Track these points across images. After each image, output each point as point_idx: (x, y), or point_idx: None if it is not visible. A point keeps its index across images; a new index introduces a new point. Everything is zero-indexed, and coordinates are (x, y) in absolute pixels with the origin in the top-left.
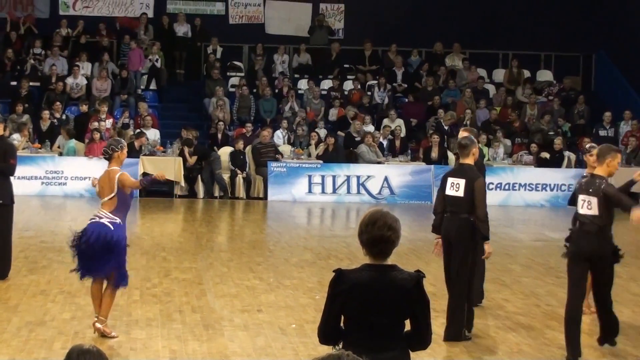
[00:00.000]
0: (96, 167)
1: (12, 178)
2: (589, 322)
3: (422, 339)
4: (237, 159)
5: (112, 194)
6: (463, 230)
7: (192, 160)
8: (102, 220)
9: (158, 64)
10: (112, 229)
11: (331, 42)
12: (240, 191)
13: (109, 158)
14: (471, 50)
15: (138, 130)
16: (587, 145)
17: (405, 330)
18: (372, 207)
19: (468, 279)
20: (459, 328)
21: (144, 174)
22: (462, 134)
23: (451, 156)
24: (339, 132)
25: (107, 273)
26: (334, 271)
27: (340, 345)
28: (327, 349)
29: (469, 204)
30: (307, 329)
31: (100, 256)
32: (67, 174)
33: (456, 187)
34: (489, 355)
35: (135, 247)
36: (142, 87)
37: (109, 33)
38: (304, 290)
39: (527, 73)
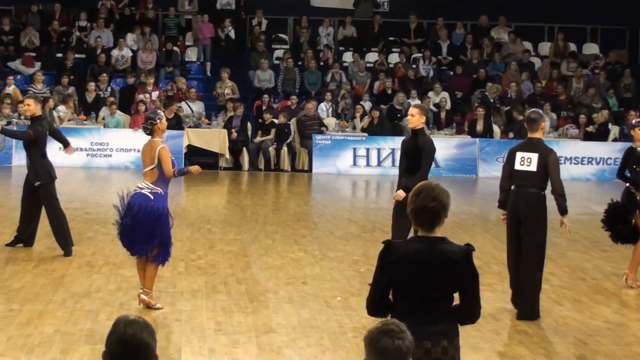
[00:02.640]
0: (141, 139)
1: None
2: (635, 296)
3: (470, 313)
4: (281, 131)
5: (153, 165)
6: (533, 205)
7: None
8: (143, 191)
9: (232, 35)
10: (153, 198)
11: (376, 15)
12: (285, 163)
13: (150, 132)
14: (517, 23)
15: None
16: (634, 120)
17: (454, 303)
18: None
19: (540, 255)
20: (533, 306)
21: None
22: (413, 109)
23: (496, 129)
24: (382, 105)
25: (150, 247)
26: (383, 242)
27: (389, 317)
28: (375, 321)
29: (541, 179)
30: (352, 301)
31: (144, 228)
32: (112, 145)
33: (527, 162)
34: (535, 327)
35: (180, 219)
36: (201, 60)
37: (155, 6)
38: (348, 262)
39: (572, 46)
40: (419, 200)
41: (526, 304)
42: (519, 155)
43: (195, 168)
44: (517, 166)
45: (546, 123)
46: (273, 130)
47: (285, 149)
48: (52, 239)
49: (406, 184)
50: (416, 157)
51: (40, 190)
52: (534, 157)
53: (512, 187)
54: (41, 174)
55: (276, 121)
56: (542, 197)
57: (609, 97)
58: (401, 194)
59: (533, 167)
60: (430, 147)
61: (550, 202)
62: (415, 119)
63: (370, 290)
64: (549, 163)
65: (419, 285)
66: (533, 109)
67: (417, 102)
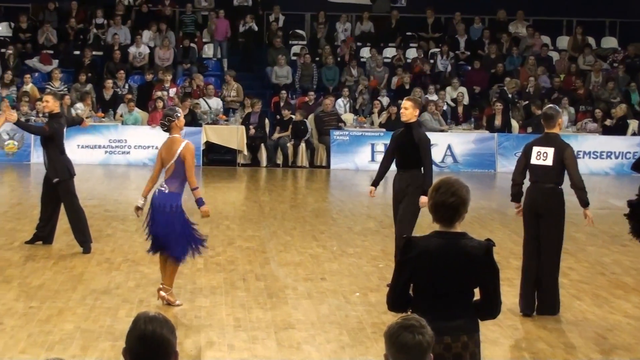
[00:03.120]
0: (159, 135)
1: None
2: None
3: (491, 309)
4: (297, 127)
5: (171, 162)
6: (551, 200)
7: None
8: (160, 189)
9: (255, 27)
10: (157, 195)
11: (392, 10)
12: (303, 160)
13: (167, 129)
14: (535, 17)
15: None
16: None
17: (475, 299)
18: (435, 175)
19: (560, 248)
20: (555, 300)
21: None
22: (406, 102)
23: (515, 124)
24: (399, 101)
25: (170, 247)
26: (403, 237)
27: (409, 313)
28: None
29: (558, 173)
30: (370, 297)
31: (160, 226)
32: (130, 142)
33: (544, 156)
34: (554, 323)
35: (198, 216)
36: (218, 56)
37: (172, 2)
38: (367, 258)
39: (591, 40)
40: (438, 196)
41: (547, 298)
42: (535, 149)
43: (205, 211)
44: (534, 160)
45: (564, 118)
46: (291, 127)
47: (303, 145)
48: (72, 236)
49: (410, 182)
50: (411, 152)
51: (59, 187)
52: (550, 151)
53: (529, 182)
54: (60, 171)
55: (294, 117)
56: (559, 191)
57: (632, 91)
58: (424, 199)
59: (549, 162)
60: (426, 141)
61: (568, 197)
62: (408, 112)
63: (391, 286)
64: (566, 157)
65: (439, 281)
66: (550, 105)
67: (434, 97)
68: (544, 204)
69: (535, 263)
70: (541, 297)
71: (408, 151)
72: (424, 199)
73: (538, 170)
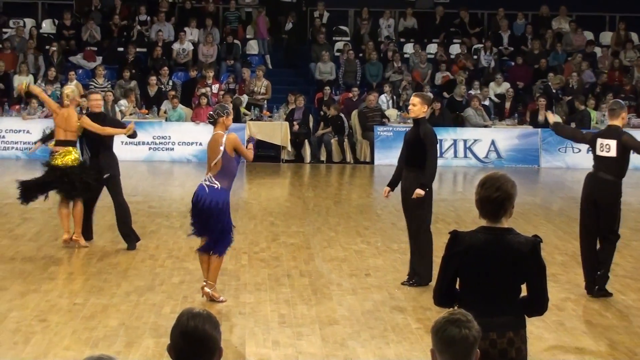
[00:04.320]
0: (203, 132)
1: (118, 145)
2: None
3: (538, 305)
4: (334, 123)
5: (218, 157)
6: (610, 192)
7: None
8: (203, 183)
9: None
10: (207, 191)
11: (436, 6)
12: (348, 155)
13: (213, 122)
14: (578, 12)
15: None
16: None
17: (521, 295)
18: (479, 171)
19: (615, 238)
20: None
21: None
22: (414, 99)
23: (558, 119)
24: (445, 94)
25: (210, 238)
26: (449, 233)
27: (456, 308)
28: (440, 312)
29: (620, 165)
30: (415, 292)
31: (201, 219)
32: (174, 139)
33: (607, 148)
34: (599, 317)
35: (242, 211)
36: (262, 53)
37: None
38: None
39: (634, 36)
40: (483, 191)
41: (603, 280)
42: (599, 141)
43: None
44: (598, 152)
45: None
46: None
47: (345, 140)
48: (116, 233)
49: (412, 184)
50: (417, 148)
51: (109, 182)
52: (613, 143)
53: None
54: (111, 166)
55: (326, 113)
56: (618, 183)
57: None
58: (420, 191)
59: (612, 153)
60: (432, 138)
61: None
62: (416, 108)
63: (437, 281)
64: (626, 142)
65: (485, 276)
66: (614, 99)
67: (478, 92)
68: (603, 197)
69: (592, 249)
70: (598, 280)
71: (414, 147)
72: (419, 191)
73: (601, 161)
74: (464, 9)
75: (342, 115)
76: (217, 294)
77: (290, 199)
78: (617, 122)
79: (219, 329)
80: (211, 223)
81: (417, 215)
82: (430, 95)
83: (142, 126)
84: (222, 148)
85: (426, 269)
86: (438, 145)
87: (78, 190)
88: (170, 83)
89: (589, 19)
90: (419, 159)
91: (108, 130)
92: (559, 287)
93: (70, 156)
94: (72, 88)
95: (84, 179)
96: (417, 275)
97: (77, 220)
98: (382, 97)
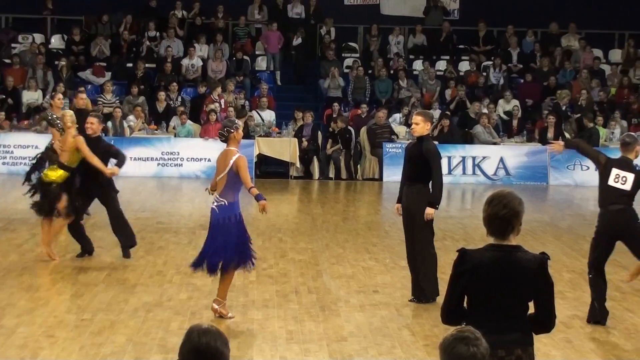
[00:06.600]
0: (211, 148)
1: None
2: None
3: (546, 322)
4: (342, 136)
5: (223, 173)
6: (630, 220)
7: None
8: (212, 206)
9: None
10: (218, 212)
11: (445, 22)
12: (357, 172)
13: (225, 140)
14: (587, 30)
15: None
16: None
17: (529, 312)
18: (488, 188)
19: None
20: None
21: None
22: (416, 117)
23: (567, 137)
24: (452, 108)
25: (221, 259)
26: (457, 250)
27: (464, 325)
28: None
29: (631, 198)
30: (422, 309)
31: (213, 239)
32: (183, 155)
33: (622, 180)
34: (606, 335)
35: (251, 228)
36: (271, 68)
37: (225, 15)
38: None
39: None
40: (491, 208)
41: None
42: (615, 171)
43: (263, 204)
44: (611, 182)
45: (616, 131)
46: (339, 138)
47: (351, 159)
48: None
49: (413, 199)
50: (419, 164)
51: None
52: (630, 177)
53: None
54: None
55: (333, 128)
56: (634, 210)
57: None
58: (430, 211)
59: (628, 187)
60: (435, 154)
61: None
62: (419, 127)
63: (445, 298)
64: None
65: (493, 294)
66: (627, 133)
67: (485, 110)
68: (625, 227)
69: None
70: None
71: (415, 163)
72: (429, 211)
73: (613, 192)
74: (482, 21)
75: (350, 128)
76: (225, 311)
77: (298, 215)
78: (631, 156)
79: (228, 345)
80: (229, 239)
81: (424, 236)
82: (432, 112)
83: (150, 142)
84: (230, 165)
85: (432, 284)
86: (447, 162)
87: (45, 211)
88: (179, 99)
89: (598, 36)
90: (420, 174)
91: (95, 161)
92: (566, 304)
93: (61, 173)
94: (71, 112)
95: (56, 203)
96: (423, 292)
97: (53, 230)
98: (396, 116)
